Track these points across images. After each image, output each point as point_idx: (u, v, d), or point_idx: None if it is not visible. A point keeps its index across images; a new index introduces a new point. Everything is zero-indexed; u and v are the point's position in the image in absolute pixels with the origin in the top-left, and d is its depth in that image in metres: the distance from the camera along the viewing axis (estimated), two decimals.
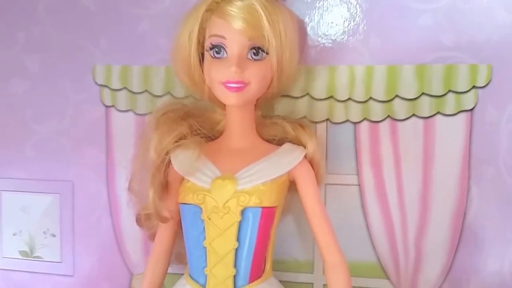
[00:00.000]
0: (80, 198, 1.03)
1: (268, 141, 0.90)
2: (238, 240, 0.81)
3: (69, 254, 1.04)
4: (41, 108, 1.03)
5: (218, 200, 0.81)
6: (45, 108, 1.03)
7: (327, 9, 0.92)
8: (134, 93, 0.99)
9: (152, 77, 0.98)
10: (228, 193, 0.81)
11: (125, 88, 0.99)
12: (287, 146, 0.88)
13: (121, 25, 0.99)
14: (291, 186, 0.86)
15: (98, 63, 1.00)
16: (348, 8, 0.91)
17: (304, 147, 0.87)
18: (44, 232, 1.05)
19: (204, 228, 0.82)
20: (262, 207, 0.81)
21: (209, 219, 0.81)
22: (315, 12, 0.93)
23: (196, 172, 0.84)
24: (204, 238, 0.82)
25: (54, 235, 1.04)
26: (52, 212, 1.04)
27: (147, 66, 0.98)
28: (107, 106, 1.01)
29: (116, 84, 1.00)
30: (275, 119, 0.92)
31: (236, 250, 0.81)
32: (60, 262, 1.05)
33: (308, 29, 0.93)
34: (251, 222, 0.81)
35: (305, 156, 0.86)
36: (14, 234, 1.06)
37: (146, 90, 0.99)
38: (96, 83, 1.00)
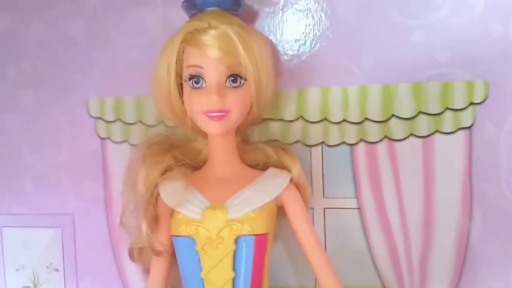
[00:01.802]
0: (81, 231, 1.05)
1: (252, 166, 0.91)
2: (234, 269, 0.82)
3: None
4: (37, 142, 1.05)
5: (211, 230, 0.82)
6: (41, 142, 1.05)
7: (317, 29, 0.93)
8: (127, 124, 1.01)
9: (145, 107, 0.99)
10: (220, 222, 0.82)
11: (119, 119, 1.01)
12: (271, 171, 0.89)
13: (111, 56, 1.00)
14: (279, 211, 0.87)
15: (91, 95, 1.02)
16: (338, 27, 0.92)
17: (288, 170, 0.88)
18: (47, 267, 1.07)
19: (199, 259, 0.83)
20: (255, 235, 0.82)
21: (204, 250, 0.82)
22: (304, 32, 0.93)
23: (186, 204, 0.85)
24: (200, 270, 0.83)
25: (57, 270, 1.06)
26: (54, 246, 1.06)
27: (139, 96, 0.99)
28: (102, 138, 1.02)
29: (110, 116, 1.01)
30: (256, 144, 0.93)
31: (233, 279, 0.82)
32: None
33: (298, 50, 0.93)
34: (245, 251, 0.82)
35: (291, 180, 0.87)
36: (17, 270, 1.08)
37: (139, 121, 1.00)
38: (90, 115, 1.02)
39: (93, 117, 1.02)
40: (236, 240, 0.81)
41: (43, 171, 1.05)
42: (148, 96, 0.97)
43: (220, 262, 0.82)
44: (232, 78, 0.83)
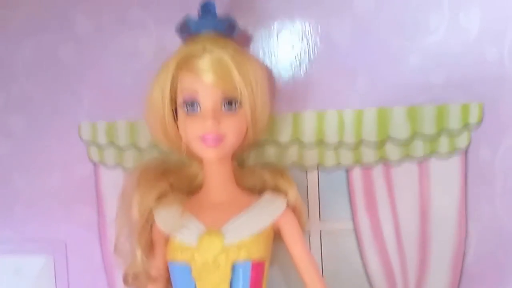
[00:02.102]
0: (74, 258, 1.03)
1: (248, 190, 0.91)
2: None
3: None
4: (28, 167, 1.03)
5: (207, 256, 0.81)
6: (32, 167, 1.03)
7: (312, 53, 0.93)
8: (121, 148, 1.00)
9: (138, 131, 0.98)
10: (216, 248, 0.81)
11: (111, 143, 1.00)
12: (267, 195, 0.88)
13: (103, 80, 0.99)
14: (275, 235, 0.87)
15: (83, 119, 1.01)
16: (333, 51, 0.92)
17: (285, 195, 0.88)
18: None
19: (195, 286, 0.82)
20: (252, 261, 0.81)
21: (200, 276, 0.81)
22: (300, 56, 0.93)
23: (182, 229, 0.84)
24: None
25: None
26: (47, 274, 1.04)
27: (132, 120, 0.98)
28: (95, 163, 1.01)
29: (102, 140, 1.00)
30: (252, 168, 0.93)
31: None
32: None
33: (293, 74, 0.93)
34: (242, 277, 0.81)
35: (287, 204, 0.87)
36: None
37: (132, 145, 0.99)
38: (82, 140, 1.01)
39: (85, 141, 1.01)
40: (233, 267, 0.81)
41: (34, 197, 1.04)
42: (141, 120, 0.95)
43: None
44: (228, 103, 0.82)
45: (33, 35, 1.01)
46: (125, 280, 0.90)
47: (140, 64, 0.97)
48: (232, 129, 0.82)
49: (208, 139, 0.81)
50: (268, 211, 0.86)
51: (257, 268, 0.82)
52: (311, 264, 0.86)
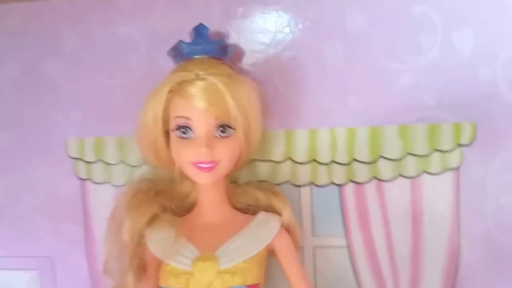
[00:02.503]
0: (60, 275, 1.02)
1: (242, 209, 0.90)
2: None
3: None
4: (13, 184, 1.02)
5: (202, 282, 0.80)
6: (18, 184, 1.02)
7: (305, 71, 0.92)
8: (109, 164, 0.99)
9: (127, 147, 0.97)
10: (211, 274, 0.80)
11: (100, 160, 0.99)
12: (261, 216, 0.88)
13: (91, 96, 0.98)
14: (269, 253, 0.87)
15: (70, 135, 0.99)
16: (325, 70, 0.91)
17: (279, 214, 0.88)
18: None
19: None
20: (247, 286, 0.81)
21: None
22: (293, 74, 0.92)
23: (175, 255, 0.83)
24: None
25: None
26: None
27: (122, 136, 0.97)
28: (82, 179, 1.00)
29: (90, 157, 0.99)
30: (246, 187, 0.93)
31: None
32: None
33: (286, 90, 0.93)
34: None
35: (281, 224, 0.87)
36: None
37: (122, 161, 0.98)
38: (69, 156, 0.99)
39: (72, 157, 1.00)
40: None
41: (20, 213, 1.02)
42: (130, 136, 0.94)
43: None
44: (221, 129, 0.82)
45: (19, 50, 0.99)
46: None
47: (129, 80, 0.96)
48: (226, 154, 0.82)
49: (201, 165, 0.81)
50: (262, 233, 0.85)
51: None
52: (305, 283, 0.86)
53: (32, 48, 0.98)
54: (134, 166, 0.98)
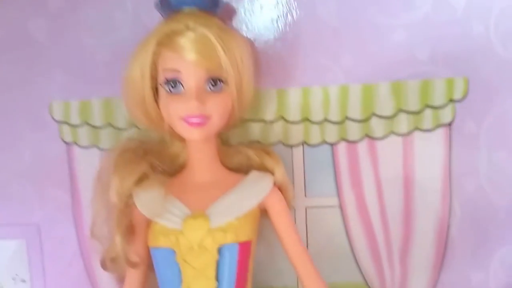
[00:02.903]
0: (48, 242, 1.00)
1: (233, 169, 0.89)
2: (217, 279, 0.80)
3: None
4: None
5: (192, 240, 0.79)
6: (2, 149, 0.99)
7: (298, 28, 0.91)
8: (96, 127, 0.96)
9: (115, 109, 0.95)
10: (201, 232, 0.79)
11: (86, 123, 0.96)
12: (254, 174, 0.87)
13: (77, 57, 0.95)
14: (261, 213, 0.86)
15: (55, 98, 0.96)
16: (318, 26, 0.90)
17: (271, 173, 0.87)
18: (14, 278, 1.02)
19: (179, 271, 0.80)
20: (239, 243, 0.80)
21: (185, 261, 0.80)
22: (285, 32, 0.91)
23: (164, 213, 0.82)
24: (181, 282, 0.80)
25: (24, 281, 1.02)
26: (20, 257, 1.01)
27: (108, 98, 0.95)
28: (67, 143, 0.98)
29: (76, 120, 0.97)
30: (238, 147, 0.91)
31: None
32: None
33: (277, 49, 0.91)
34: (229, 260, 0.80)
35: (274, 183, 0.86)
36: None
37: (109, 124, 0.96)
38: (54, 119, 0.97)
39: (57, 121, 0.97)
40: (219, 249, 0.79)
41: (4, 179, 1.00)
42: (118, 97, 0.92)
43: (202, 273, 0.79)
44: (212, 82, 0.80)
45: (2, 10, 0.95)
46: (103, 265, 0.88)
47: (115, 39, 0.93)
48: (217, 109, 0.80)
49: (192, 120, 0.79)
50: (255, 191, 0.84)
51: (244, 250, 0.81)
52: (299, 243, 0.86)
53: (16, 7, 0.95)
54: (121, 129, 0.96)
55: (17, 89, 0.97)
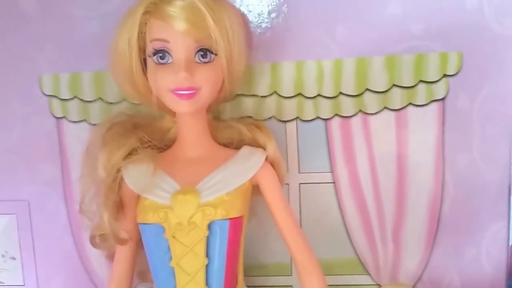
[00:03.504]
0: (37, 218, 1.00)
1: (225, 145, 0.88)
2: (207, 256, 0.79)
3: (32, 276, 1.02)
4: None
5: (182, 216, 0.78)
6: None
7: (291, 1, 0.90)
8: (86, 101, 0.95)
9: (105, 83, 0.94)
10: (191, 207, 0.78)
11: (76, 97, 0.95)
12: (245, 149, 0.86)
13: (67, 29, 0.94)
14: (253, 189, 0.85)
15: (45, 71, 0.95)
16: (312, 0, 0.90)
17: (263, 148, 0.86)
18: (3, 256, 1.02)
19: (169, 247, 0.79)
20: (230, 219, 0.79)
21: (174, 237, 0.79)
22: (279, 4, 0.90)
23: (154, 189, 0.81)
24: (170, 258, 0.79)
25: (14, 258, 1.02)
26: (9, 234, 1.01)
27: (99, 71, 0.94)
28: (57, 118, 0.97)
29: (65, 94, 0.96)
30: (229, 122, 0.91)
31: (207, 267, 0.79)
32: (23, 285, 1.02)
33: (270, 22, 0.91)
34: (219, 236, 0.79)
35: (266, 158, 0.85)
36: None
37: (99, 98, 0.95)
38: (43, 93, 0.96)
39: (46, 95, 0.96)
40: (210, 226, 0.78)
41: None
42: (108, 71, 0.90)
43: (192, 250, 0.79)
44: (202, 53, 0.78)
45: None
46: (92, 242, 0.87)
47: (105, 11, 0.92)
48: (207, 81, 0.78)
49: (181, 92, 0.77)
50: (246, 166, 0.84)
51: (235, 226, 0.80)
52: (290, 219, 0.85)
53: None
54: (112, 103, 0.95)
55: (5, 63, 0.96)
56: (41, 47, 0.95)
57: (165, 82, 0.78)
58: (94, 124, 0.95)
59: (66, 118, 0.97)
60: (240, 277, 0.84)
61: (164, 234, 0.79)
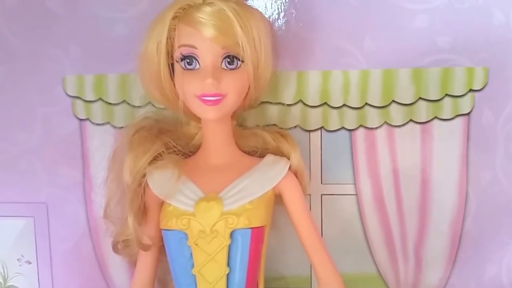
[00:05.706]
0: (55, 222, 1.00)
1: (249, 152, 0.90)
2: (228, 265, 0.80)
3: (48, 282, 1.01)
4: (7, 124, 0.99)
5: (205, 224, 0.79)
6: (12, 124, 0.99)
7: (320, 11, 0.92)
8: (110, 104, 0.96)
9: (130, 86, 0.95)
10: (214, 215, 0.79)
11: (100, 99, 0.97)
12: (269, 158, 0.87)
13: (93, 30, 0.95)
14: (276, 199, 0.86)
15: (69, 72, 0.96)
16: (340, 10, 0.91)
17: (287, 157, 0.88)
18: (19, 259, 1.02)
19: (191, 254, 0.80)
20: (252, 228, 0.80)
21: (196, 244, 0.80)
22: (307, 14, 0.92)
23: (177, 195, 0.82)
24: (192, 266, 0.80)
25: (30, 262, 1.01)
26: (26, 237, 1.01)
27: (124, 74, 0.95)
28: (80, 120, 0.98)
29: (90, 95, 0.96)
30: (254, 129, 0.92)
31: (228, 275, 0.80)
32: None
33: (298, 31, 0.92)
34: (241, 245, 0.80)
35: (289, 168, 0.86)
36: None
37: (124, 101, 0.96)
38: (67, 94, 0.97)
39: (70, 96, 0.97)
40: (232, 234, 0.79)
41: (13, 155, 0.99)
42: (134, 74, 0.93)
43: (213, 258, 0.79)
44: (229, 60, 0.80)
45: None
46: (115, 248, 0.88)
47: (132, 13, 0.93)
48: (233, 87, 0.80)
49: (207, 98, 0.79)
50: (269, 175, 0.85)
51: (257, 235, 0.81)
52: (313, 231, 0.85)
53: None
54: (137, 106, 0.96)
55: (29, 62, 0.97)
56: (66, 47, 0.96)
57: (192, 87, 0.79)
58: (118, 127, 0.97)
59: (90, 120, 0.97)
60: (261, 287, 0.85)
61: (187, 241, 0.80)
